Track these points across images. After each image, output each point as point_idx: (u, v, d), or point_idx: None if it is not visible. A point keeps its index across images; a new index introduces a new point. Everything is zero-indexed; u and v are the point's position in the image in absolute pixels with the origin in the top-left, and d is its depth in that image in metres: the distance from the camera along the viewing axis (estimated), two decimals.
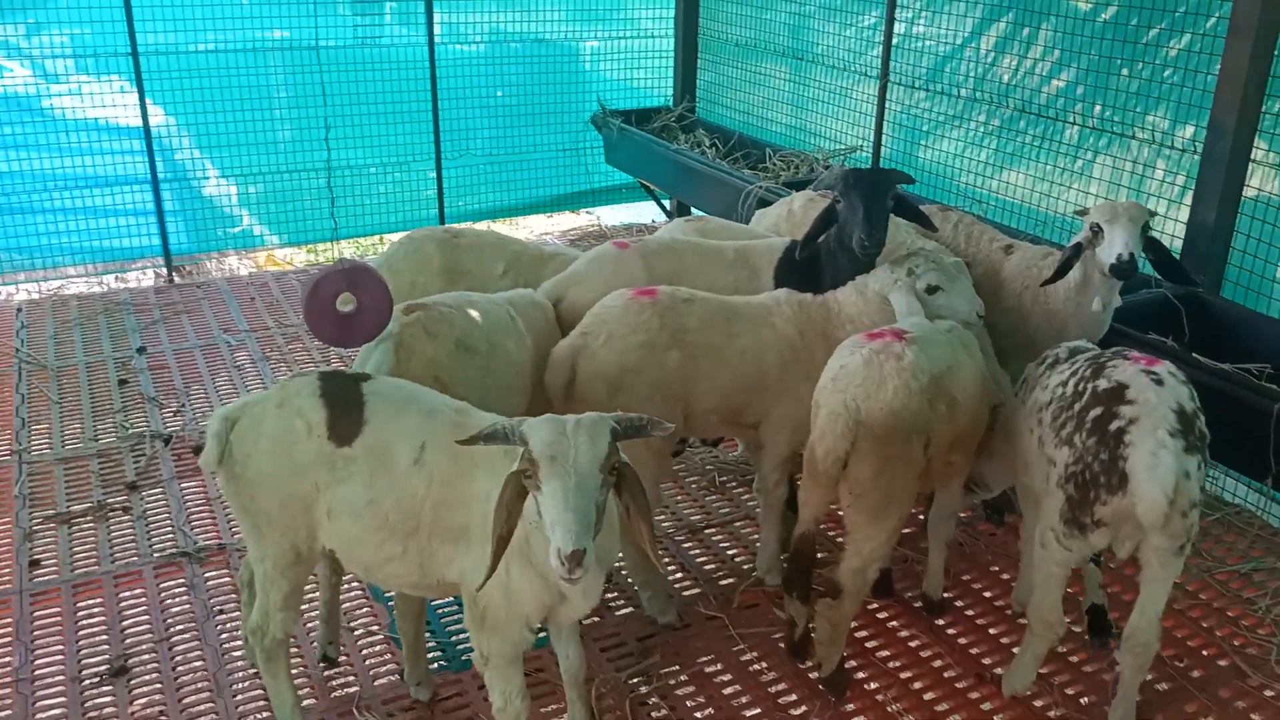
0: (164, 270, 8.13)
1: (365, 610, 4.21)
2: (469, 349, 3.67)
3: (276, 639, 3.22)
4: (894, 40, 6.89)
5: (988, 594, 4.40)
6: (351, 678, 3.85)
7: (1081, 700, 3.80)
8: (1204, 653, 4.07)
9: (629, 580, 4.29)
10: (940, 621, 4.23)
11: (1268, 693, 3.84)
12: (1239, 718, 3.73)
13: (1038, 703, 3.78)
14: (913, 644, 4.07)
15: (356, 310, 3.28)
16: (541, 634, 3.79)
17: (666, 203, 9.20)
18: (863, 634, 4.13)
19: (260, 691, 3.70)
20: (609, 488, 2.58)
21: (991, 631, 4.17)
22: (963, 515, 4.91)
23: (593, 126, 9.01)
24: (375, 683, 3.81)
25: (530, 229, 10.12)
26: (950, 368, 3.56)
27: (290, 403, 3.08)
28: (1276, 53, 4.77)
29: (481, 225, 8.76)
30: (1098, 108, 5.88)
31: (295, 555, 3.17)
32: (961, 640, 4.13)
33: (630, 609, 4.24)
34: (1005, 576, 4.50)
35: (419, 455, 2.99)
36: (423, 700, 3.68)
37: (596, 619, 4.20)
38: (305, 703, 3.71)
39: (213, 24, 7.79)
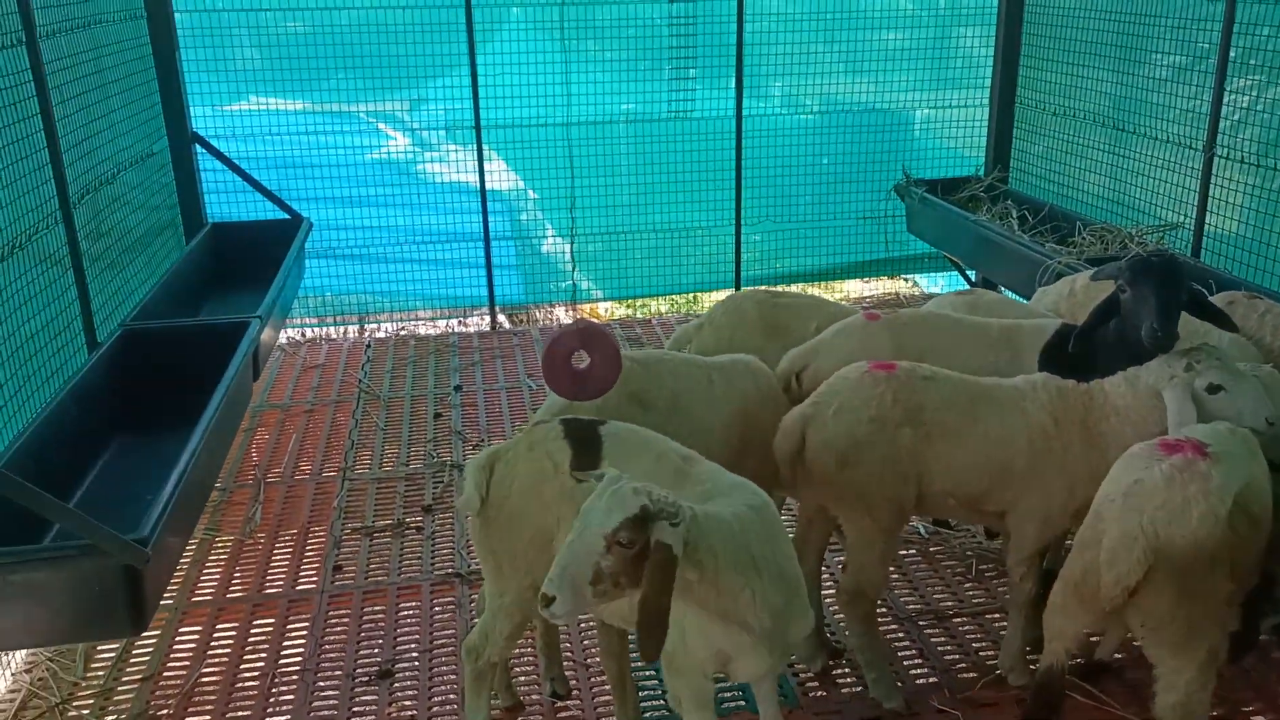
0: (498, 318, 9.03)
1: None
2: (643, 403, 3.83)
3: (491, 662, 3.51)
4: (1223, 110, 6.34)
5: None
6: (579, 713, 4.09)
7: None
8: None
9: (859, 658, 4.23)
10: None
11: None
12: None
13: None
14: None
15: (589, 367, 3.55)
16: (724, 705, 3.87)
17: (972, 274, 8.94)
18: None
19: (496, 706, 4.04)
20: (623, 559, 2.58)
21: None
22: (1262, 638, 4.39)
23: (896, 195, 8.96)
24: (599, 717, 4.03)
25: (846, 293, 10.20)
26: (1249, 483, 3.20)
27: (539, 446, 3.37)
28: None
29: (796, 288, 9.00)
30: None
31: (534, 590, 3.44)
32: None
33: (860, 688, 4.17)
34: None
35: None
36: None
37: (823, 692, 4.19)
38: None
39: (546, 100, 8.64)
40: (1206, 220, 6.57)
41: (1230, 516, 3.06)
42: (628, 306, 10.36)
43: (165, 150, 7.62)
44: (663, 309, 10.26)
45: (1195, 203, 6.60)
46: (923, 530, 5.33)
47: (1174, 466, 3.12)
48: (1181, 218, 6.80)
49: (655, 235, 9.19)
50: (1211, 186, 6.51)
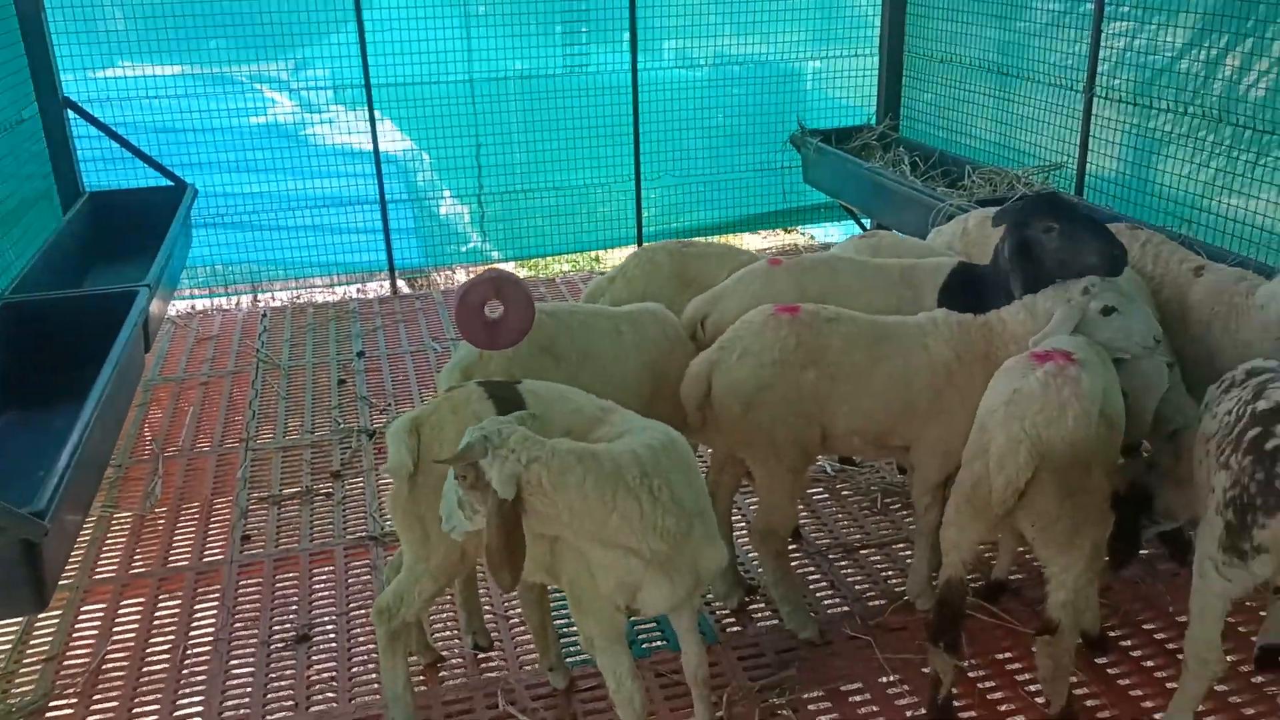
0: (398, 282, 8.85)
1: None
2: (554, 355, 3.83)
3: (406, 622, 3.48)
4: (1101, 53, 6.56)
5: (1160, 635, 4.14)
6: (502, 663, 4.10)
7: None
8: None
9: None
10: (1101, 660, 4.02)
11: None
12: None
13: None
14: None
15: (502, 317, 3.52)
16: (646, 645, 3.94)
17: (867, 222, 9.12)
18: (1014, 667, 3.98)
19: (415, 665, 4.03)
20: (472, 491, 2.83)
21: (1158, 675, 3.92)
22: (1144, 552, 4.64)
23: (792, 146, 9.06)
24: (522, 669, 4.05)
25: (747, 246, 10.27)
26: (1106, 389, 3.40)
27: (463, 408, 3.32)
28: None
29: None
30: None
31: (461, 556, 3.42)
32: (1123, 681, 3.91)
33: (774, 621, 4.28)
34: (1182, 619, 4.20)
35: None
36: (559, 687, 3.88)
37: (739, 628, 4.28)
38: (457, 681, 4.01)
39: (441, 58, 8.45)
40: (1088, 159, 6.81)
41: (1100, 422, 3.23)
42: (529, 267, 10.29)
43: (35, 117, 7.24)
44: (565, 268, 10.22)
45: (1077, 143, 6.84)
46: (829, 469, 5.46)
47: (1048, 373, 3.27)
48: (1065, 158, 7.05)
49: (555, 194, 9.13)
50: (1092, 126, 6.75)
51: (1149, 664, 3.99)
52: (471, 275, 9.21)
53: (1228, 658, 3.91)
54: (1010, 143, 7.70)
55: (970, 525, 3.37)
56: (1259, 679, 3.85)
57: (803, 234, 10.45)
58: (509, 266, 10.06)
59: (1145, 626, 4.21)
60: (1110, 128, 6.70)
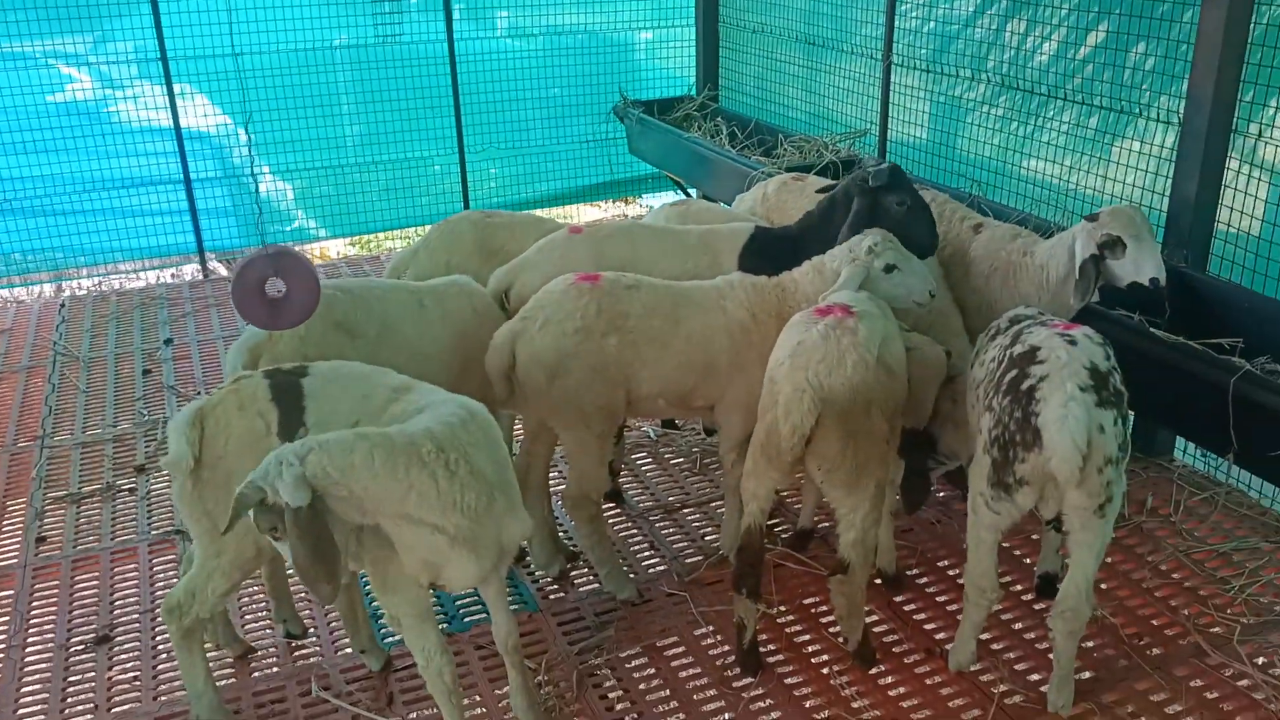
0: (211, 265, 8.48)
1: None
2: (349, 331, 3.79)
3: (201, 619, 3.38)
4: (896, 21, 6.84)
5: (953, 572, 4.39)
6: (317, 649, 4.03)
7: (1031, 676, 3.78)
8: (1167, 632, 4.01)
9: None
10: (899, 598, 4.25)
11: (1226, 672, 3.78)
12: (1192, 696, 3.68)
13: (985, 677, 3.78)
14: (868, 620, 4.07)
15: (285, 294, 3.44)
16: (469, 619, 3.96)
17: (694, 192, 9.26)
18: (816, 608, 4.17)
19: (225, 660, 3.93)
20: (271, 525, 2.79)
21: (951, 609, 4.16)
22: (941, 494, 4.92)
23: (615, 117, 9.11)
24: (337, 654, 3.99)
25: (578, 219, 10.28)
26: (885, 339, 3.58)
27: (249, 406, 3.23)
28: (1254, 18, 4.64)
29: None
30: (1098, 84, 5.77)
31: (256, 550, 3.32)
32: (919, 616, 4.14)
33: (594, 585, 4.35)
34: None
35: None
36: (374, 669, 3.84)
37: (562, 594, 4.33)
38: (270, 670, 3.92)
39: (251, 28, 8.10)
40: (889, 126, 7.10)
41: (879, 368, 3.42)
42: (356, 245, 10.04)
43: None
44: (395, 245, 10.01)
45: (879, 110, 7.11)
46: (652, 433, 5.56)
47: (828, 325, 3.45)
48: (869, 124, 7.32)
49: (380, 169, 8.93)
50: (892, 94, 7.03)
51: (943, 599, 4.24)
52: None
53: (1015, 587, 4.24)
54: (820, 111, 7.95)
55: (766, 473, 3.51)
56: (1040, 606, 4.14)
57: (642, 206, 10.52)
58: (337, 244, 9.80)
59: (940, 564, 4.46)
60: (909, 95, 6.99)
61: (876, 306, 3.70)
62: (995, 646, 3.94)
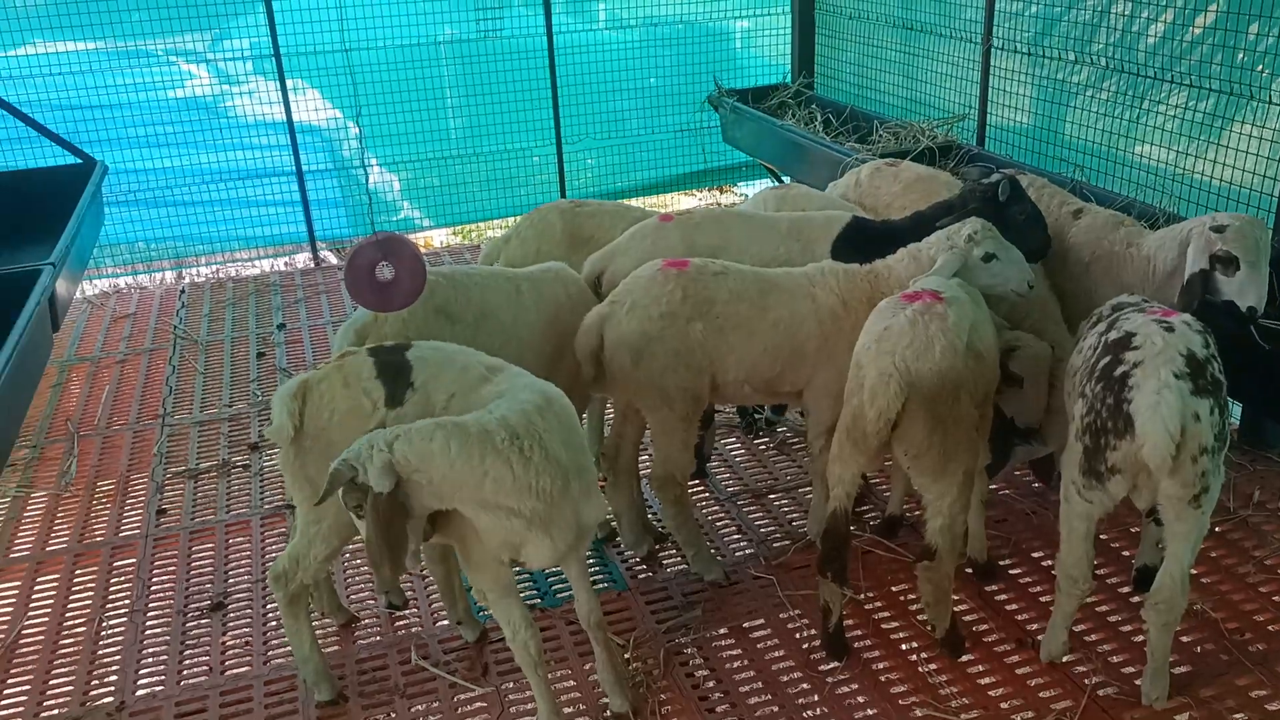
0: (322, 253, 8.81)
1: None
2: (450, 316, 3.91)
3: (305, 585, 3.56)
4: (997, 4, 6.71)
5: (1047, 563, 4.33)
6: (416, 619, 4.20)
7: (1125, 669, 3.72)
8: (1270, 628, 3.90)
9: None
10: (991, 588, 4.21)
11: None
12: None
13: (1078, 669, 3.73)
14: (958, 609, 4.07)
15: (393, 279, 3.58)
16: (560, 595, 4.05)
17: (787, 179, 9.23)
18: (905, 596, 4.16)
19: (330, 628, 4.12)
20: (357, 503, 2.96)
21: (1043, 600, 4.11)
22: (1036, 484, 4.84)
23: (710, 106, 9.14)
24: (436, 624, 4.15)
25: (672, 207, 10.34)
26: (974, 325, 3.56)
27: (354, 380, 3.38)
28: None
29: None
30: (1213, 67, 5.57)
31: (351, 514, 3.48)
32: (1010, 607, 4.10)
33: (682, 566, 4.42)
34: None
35: (447, 403, 3.28)
36: (470, 640, 3.99)
37: (650, 574, 4.41)
38: (372, 639, 4.10)
39: (360, 24, 8.38)
40: (989, 110, 6.97)
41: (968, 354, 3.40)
42: (457, 233, 10.28)
43: None
44: (495, 234, 10.21)
45: (978, 94, 6.99)
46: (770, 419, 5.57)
47: (916, 310, 3.45)
48: (967, 109, 7.20)
49: (480, 160, 9.14)
50: (991, 78, 6.90)
51: (1035, 590, 4.19)
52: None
53: (1111, 580, 4.17)
54: (916, 96, 7.85)
55: (851, 458, 3.52)
56: (1136, 599, 4.06)
57: (737, 193, 10.53)
58: (440, 233, 10.07)
59: (1034, 555, 4.41)
60: (1009, 79, 6.86)
61: (966, 293, 3.68)
62: (1089, 638, 3.88)
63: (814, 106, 8.52)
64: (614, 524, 4.56)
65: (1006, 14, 6.81)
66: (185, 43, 8.25)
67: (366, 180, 8.95)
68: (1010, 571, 4.31)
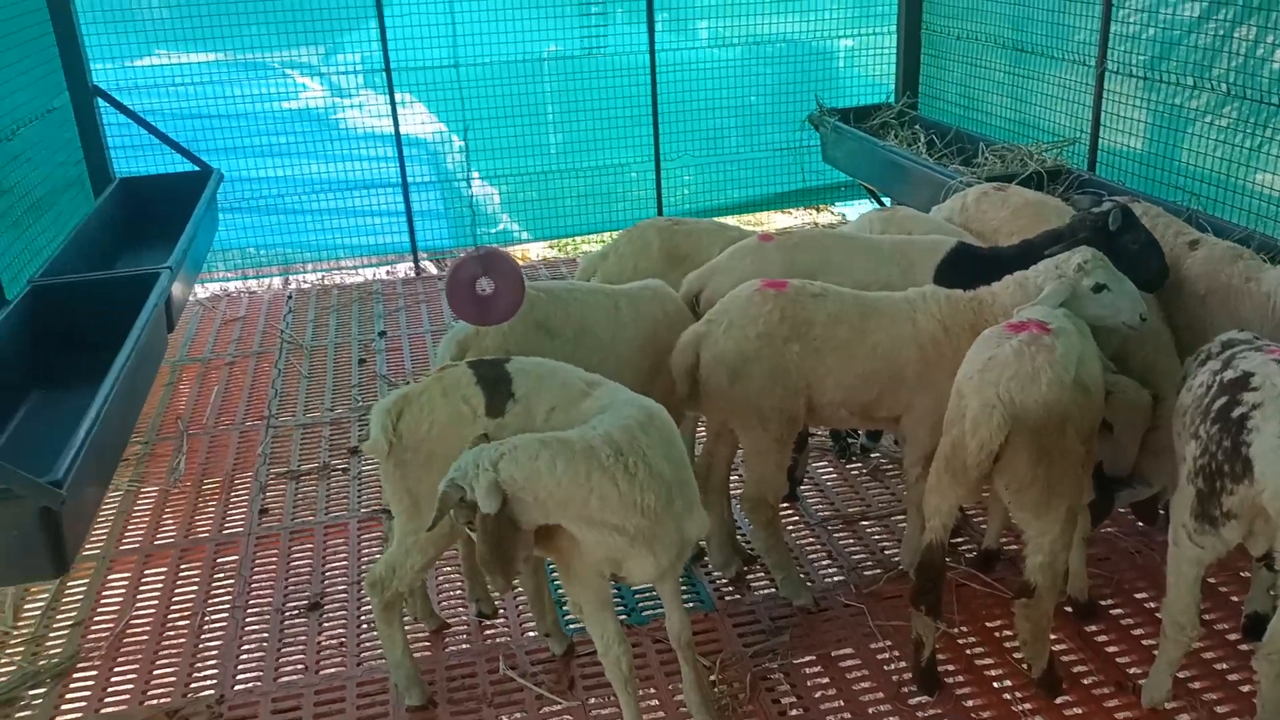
0: (423, 264, 9.01)
1: None
2: (549, 331, 3.95)
3: (399, 593, 3.62)
4: (1112, 26, 6.54)
5: (1151, 604, 4.18)
6: (505, 629, 4.25)
7: (1229, 719, 3.57)
8: None
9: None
10: (1091, 628, 4.08)
11: None
12: None
13: (1181, 717, 3.59)
14: (1056, 648, 3.94)
15: (493, 293, 3.65)
16: (647, 613, 4.05)
17: (887, 200, 9.13)
18: (1000, 632, 4.06)
19: (421, 633, 4.19)
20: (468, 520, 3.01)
21: (1146, 643, 3.97)
22: (1141, 524, 4.68)
23: (810, 126, 9.08)
24: (524, 635, 4.19)
25: (768, 226, 10.32)
26: (1081, 357, 3.46)
27: (454, 391, 3.45)
28: None
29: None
30: None
31: (450, 528, 3.52)
32: (1111, 649, 3.97)
33: (771, 589, 4.38)
34: None
35: (548, 417, 3.32)
36: (557, 653, 4.01)
37: (737, 596, 4.39)
38: (461, 647, 4.15)
39: (468, 40, 8.57)
40: (1100, 135, 6.79)
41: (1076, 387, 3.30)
42: (554, 247, 10.40)
43: (67, 105, 7.46)
44: (591, 249, 10.30)
45: (1090, 118, 6.82)
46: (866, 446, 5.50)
47: (1022, 341, 3.36)
48: (1078, 133, 7.02)
49: (578, 176, 9.24)
50: (1104, 101, 6.72)
51: (1137, 632, 4.05)
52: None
53: (1218, 626, 4.00)
54: (1024, 119, 7.69)
55: (949, 490, 3.44)
56: (1246, 647, 3.89)
57: (835, 213, 10.45)
58: (536, 247, 10.21)
59: (1137, 596, 4.26)
60: (1123, 103, 6.67)
61: (1074, 324, 3.58)
62: (1194, 685, 3.73)
63: (917, 127, 8.40)
64: (703, 544, 4.55)
65: (1121, 36, 6.63)
66: (300, 56, 8.53)
67: (469, 193, 9.13)
68: (1112, 611, 4.17)
